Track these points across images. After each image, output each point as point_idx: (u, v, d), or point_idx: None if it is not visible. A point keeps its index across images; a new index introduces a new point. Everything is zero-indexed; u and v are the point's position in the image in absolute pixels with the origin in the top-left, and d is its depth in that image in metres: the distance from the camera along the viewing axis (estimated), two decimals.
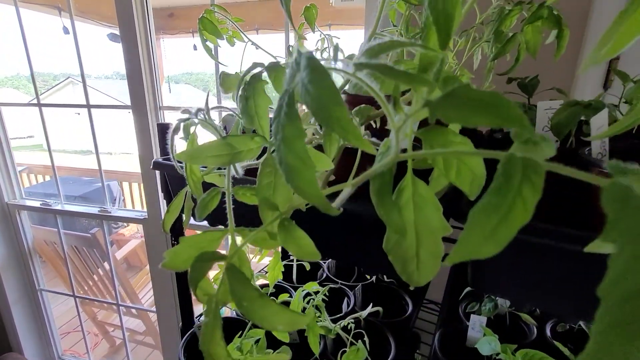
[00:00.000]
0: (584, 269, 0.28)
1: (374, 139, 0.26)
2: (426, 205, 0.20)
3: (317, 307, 0.67)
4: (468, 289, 0.89)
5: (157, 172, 1.64)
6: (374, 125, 0.37)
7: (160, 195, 1.79)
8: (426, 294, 1.10)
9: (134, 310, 2.40)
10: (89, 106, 1.74)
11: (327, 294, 0.76)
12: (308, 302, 0.68)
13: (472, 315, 0.74)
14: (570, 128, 0.38)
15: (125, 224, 3.96)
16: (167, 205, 0.69)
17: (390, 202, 0.18)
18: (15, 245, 2.05)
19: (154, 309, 1.98)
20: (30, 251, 2.09)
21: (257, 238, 0.20)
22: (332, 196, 0.20)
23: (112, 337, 2.63)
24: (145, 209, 1.80)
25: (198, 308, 1.21)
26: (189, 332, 0.75)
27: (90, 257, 2.26)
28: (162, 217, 1.52)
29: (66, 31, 2.83)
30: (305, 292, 0.69)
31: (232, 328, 0.75)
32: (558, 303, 0.30)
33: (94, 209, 1.90)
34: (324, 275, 0.99)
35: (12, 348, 2.12)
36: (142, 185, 1.74)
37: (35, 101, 1.84)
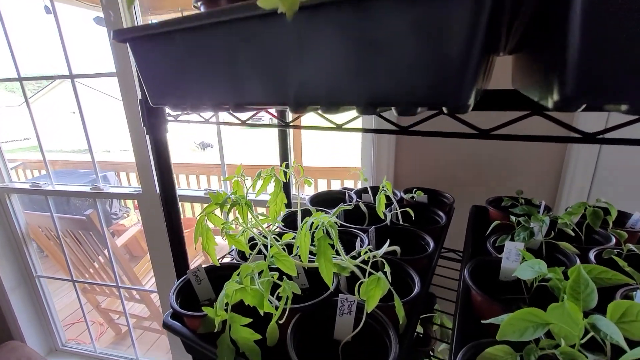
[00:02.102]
0: None
1: None
2: None
3: (327, 233, 0.57)
4: (496, 222, 0.79)
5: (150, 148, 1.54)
6: None
7: (154, 170, 1.69)
8: (444, 244, 1.00)
9: (136, 295, 2.33)
10: (72, 76, 1.64)
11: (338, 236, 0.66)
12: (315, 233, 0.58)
13: (506, 243, 0.64)
14: None
15: (125, 215, 3.88)
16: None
17: None
18: (8, 231, 1.96)
19: (155, 289, 1.90)
20: (24, 237, 2.00)
21: None
22: None
23: (117, 325, 2.57)
24: (139, 185, 1.70)
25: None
26: (182, 278, 0.66)
27: (89, 244, 2.18)
28: (157, 191, 1.40)
29: (48, 10, 2.71)
30: (312, 220, 0.59)
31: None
32: None
33: (85, 187, 1.81)
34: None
35: (13, 336, 2.05)
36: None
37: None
